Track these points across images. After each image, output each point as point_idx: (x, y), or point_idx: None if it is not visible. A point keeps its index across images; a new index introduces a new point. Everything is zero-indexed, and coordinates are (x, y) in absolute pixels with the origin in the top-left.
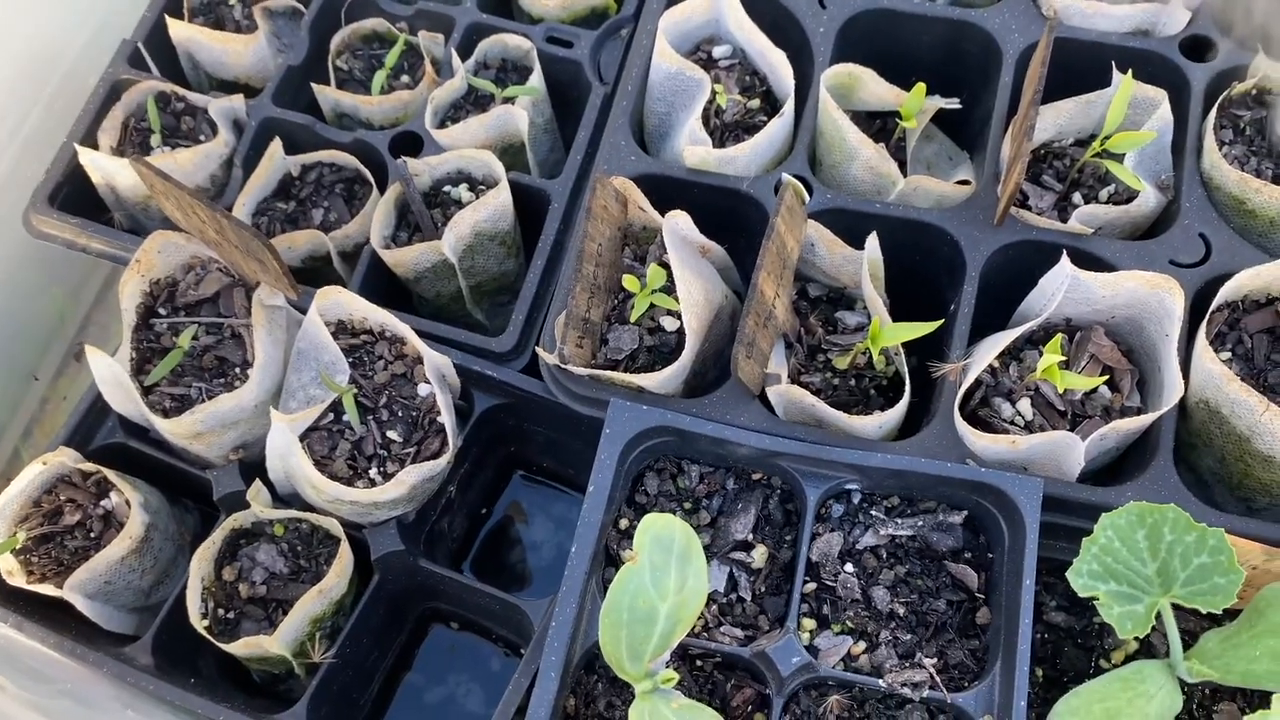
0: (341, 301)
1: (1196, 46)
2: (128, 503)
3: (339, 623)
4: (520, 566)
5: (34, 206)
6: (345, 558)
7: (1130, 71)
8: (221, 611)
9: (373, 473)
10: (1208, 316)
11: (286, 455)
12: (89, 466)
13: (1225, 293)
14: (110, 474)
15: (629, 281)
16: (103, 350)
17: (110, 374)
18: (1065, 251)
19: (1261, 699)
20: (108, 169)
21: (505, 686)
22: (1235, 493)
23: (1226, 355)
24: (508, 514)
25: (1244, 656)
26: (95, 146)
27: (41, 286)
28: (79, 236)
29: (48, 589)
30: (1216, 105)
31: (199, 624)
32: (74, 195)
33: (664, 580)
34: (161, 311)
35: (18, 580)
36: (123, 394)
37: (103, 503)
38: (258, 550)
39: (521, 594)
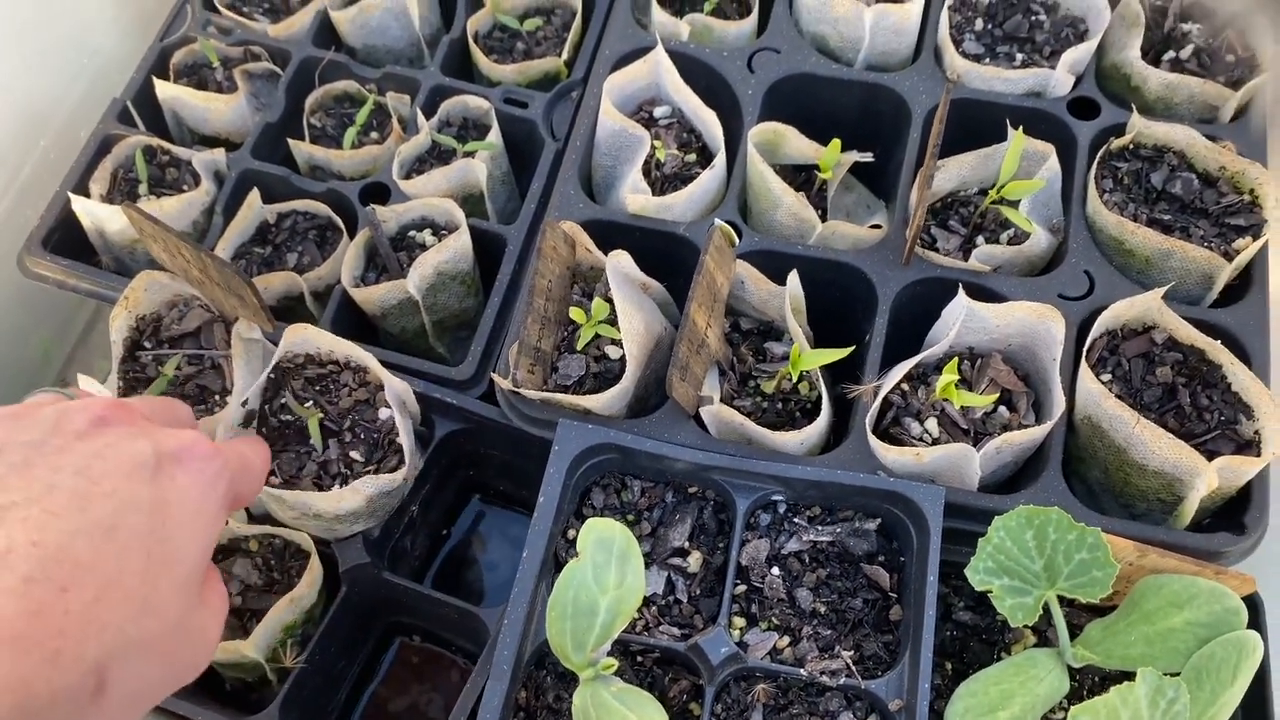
0: (309, 337)
1: (1081, 107)
2: None
3: (309, 631)
4: (477, 584)
5: (28, 249)
6: (315, 569)
7: (1023, 128)
8: None
9: (336, 489)
10: (1089, 343)
11: None
12: None
13: (1104, 321)
14: None
15: (576, 313)
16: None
17: None
18: (962, 286)
19: None
20: (98, 215)
21: None
22: (1119, 500)
23: (1108, 377)
24: (466, 535)
25: (1121, 642)
26: (87, 195)
27: (28, 328)
28: (69, 277)
29: None
30: (1098, 158)
31: None
32: (65, 240)
33: (605, 576)
34: (147, 344)
35: None
36: None
37: None
38: (233, 564)
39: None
